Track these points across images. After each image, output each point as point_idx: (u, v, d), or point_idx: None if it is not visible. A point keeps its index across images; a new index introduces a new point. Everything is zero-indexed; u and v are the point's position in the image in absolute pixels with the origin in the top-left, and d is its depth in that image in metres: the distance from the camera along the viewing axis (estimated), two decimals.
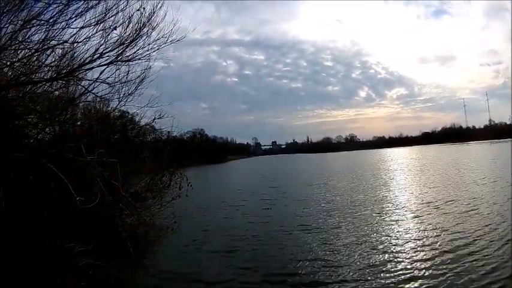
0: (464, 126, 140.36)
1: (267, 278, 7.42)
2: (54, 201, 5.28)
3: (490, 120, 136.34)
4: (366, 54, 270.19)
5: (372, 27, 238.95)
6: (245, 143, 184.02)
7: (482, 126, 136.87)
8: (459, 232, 9.68)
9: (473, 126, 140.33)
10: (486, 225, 10.15)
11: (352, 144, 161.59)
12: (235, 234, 11.35)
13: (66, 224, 5.57)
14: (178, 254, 9.67)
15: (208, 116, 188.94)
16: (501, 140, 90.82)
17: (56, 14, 5.58)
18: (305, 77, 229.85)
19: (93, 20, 5.86)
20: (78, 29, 5.74)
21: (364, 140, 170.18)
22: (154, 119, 8.96)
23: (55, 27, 5.63)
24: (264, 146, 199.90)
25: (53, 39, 5.67)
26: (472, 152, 57.03)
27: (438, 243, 8.88)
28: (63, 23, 5.65)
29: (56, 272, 5.25)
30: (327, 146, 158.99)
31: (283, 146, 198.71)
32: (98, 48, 6.04)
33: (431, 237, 9.50)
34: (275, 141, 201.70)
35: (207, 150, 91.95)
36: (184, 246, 10.29)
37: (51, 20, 5.54)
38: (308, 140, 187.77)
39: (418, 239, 9.42)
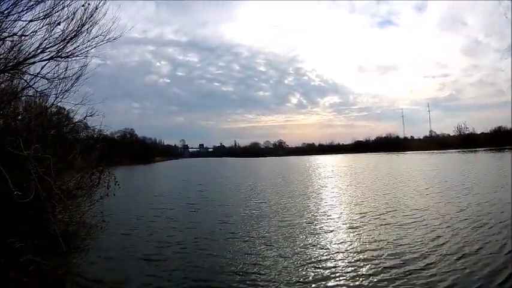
0: (401, 136, 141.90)
1: None
2: None
3: (430, 131, 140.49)
4: (301, 61, 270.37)
5: (311, 34, 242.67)
6: (173, 144, 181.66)
7: (421, 137, 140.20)
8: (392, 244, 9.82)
9: (411, 137, 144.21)
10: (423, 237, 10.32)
11: (280, 150, 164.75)
12: (161, 239, 11.57)
13: (4, 218, 5.45)
14: (107, 254, 9.95)
15: (139, 116, 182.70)
16: (443, 150, 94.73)
17: (11, 5, 5.48)
18: (237, 81, 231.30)
19: (42, 14, 5.84)
20: (27, 22, 5.68)
21: (294, 146, 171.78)
22: (86, 116, 8.90)
23: (8, 19, 5.51)
24: (192, 148, 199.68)
25: (5, 31, 5.54)
26: (409, 161, 58.70)
27: (374, 255, 8.95)
28: (15, 15, 5.56)
29: None
30: (254, 151, 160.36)
31: (210, 149, 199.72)
32: (42, 43, 6.02)
33: (363, 248, 9.57)
34: (202, 144, 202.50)
35: (135, 150, 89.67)
36: (113, 247, 10.63)
37: (5, 12, 5.42)
38: (235, 144, 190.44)
39: (347, 250, 9.50)
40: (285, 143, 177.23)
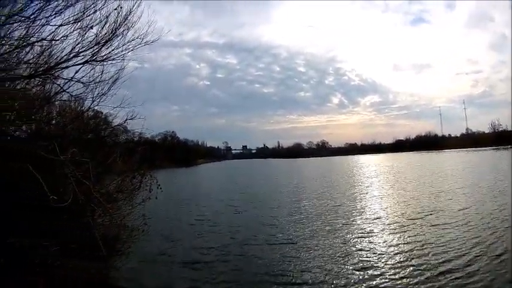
0: (439, 134, 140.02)
1: None
2: (27, 200, 5.20)
3: (467, 128, 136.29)
4: (340, 61, 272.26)
5: (347, 34, 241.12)
6: (216, 146, 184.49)
7: (458, 135, 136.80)
8: (443, 246, 9.47)
9: (449, 135, 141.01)
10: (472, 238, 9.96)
11: (323, 150, 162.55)
12: (203, 242, 11.41)
13: (39, 223, 5.48)
14: (149, 257, 9.87)
15: (179, 119, 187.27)
16: (478, 148, 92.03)
17: (36, 10, 5.53)
18: (278, 82, 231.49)
19: (72, 18, 5.86)
20: (56, 26, 5.72)
21: (336, 146, 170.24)
22: (126, 119, 8.94)
23: (35, 24, 5.58)
24: (235, 150, 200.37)
25: (33, 36, 5.61)
26: (449, 160, 57.33)
27: (426, 259, 8.56)
28: (43, 20, 5.61)
29: (28, 272, 5.16)
30: (297, 151, 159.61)
31: (253, 151, 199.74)
32: (75, 47, 6.03)
33: (416, 252, 9.11)
34: (245, 146, 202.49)
35: (177, 152, 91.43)
36: (155, 250, 10.54)
37: (32, 17, 5.48)
38: (279, 145, 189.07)
39: (398, 253, 9.13)
40: (327, 143, 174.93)
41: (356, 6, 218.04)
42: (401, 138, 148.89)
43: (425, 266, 8.07)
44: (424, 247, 9.51)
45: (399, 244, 10.08)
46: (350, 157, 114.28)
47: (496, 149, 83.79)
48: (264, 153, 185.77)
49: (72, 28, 5.90)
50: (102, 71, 7.45)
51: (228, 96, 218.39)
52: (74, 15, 5.85)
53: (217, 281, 7.98)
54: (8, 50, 5.47)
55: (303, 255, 9.51)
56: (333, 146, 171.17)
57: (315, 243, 10.52)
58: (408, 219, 13.09)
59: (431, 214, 13.75)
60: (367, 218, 13.81)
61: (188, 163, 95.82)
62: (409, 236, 10.79)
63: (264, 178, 42.11)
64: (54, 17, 5.68)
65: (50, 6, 5.58)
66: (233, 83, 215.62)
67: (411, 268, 7.99)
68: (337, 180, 31.52)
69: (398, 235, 11.06)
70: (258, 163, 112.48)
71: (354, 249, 9.85)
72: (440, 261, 8.32)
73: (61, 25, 5.74)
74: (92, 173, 7.42)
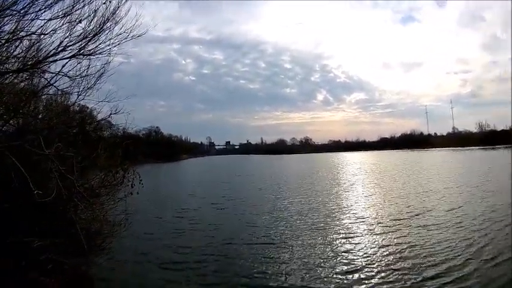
0: (425, 133, 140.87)
1: None
2: (13, 194, 5.17)
3: (453, 127, 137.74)
4: (327, 58, 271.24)
5: (335, 31, 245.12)
6: (199, 142, 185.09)
7: (444, 134, 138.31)
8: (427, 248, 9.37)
9: (435, 133, 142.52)
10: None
11: (307, 147, 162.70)
12: (185, 240, 11.38)
13: (24, 218, 5.46)
14: (129, 255, 9.89)
15: (165, 114, 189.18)
16: (465, 148, 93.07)
17: (27, 4, 5.48)
18: (264, 78, 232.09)
19: (61, 13, 5.82)
20: (46, 20, 5.68)
21: (320, 143, 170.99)
22: (110, 114, 8.90)
23: (25, 18, 5.53)
24: (218, 145, 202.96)
25: (22, 30, 5.55)
26: (435, 158, 58.03)
27: (405, 258, 8.58)
28: (33, 14, 5.56)
29: (18, 266, 5.14)
30: (281, 148, 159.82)
31: (236, 147, 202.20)
32: (63, 41, 5.99)
33: (402, 255, 8.93)
34: (229, 142, 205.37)
35: (161, 148, 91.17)
36: (135, 248, 10.52)
37: (22, 11, 5.42)
38: (262, 141, 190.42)
39: (382, 255, 8.98)
40: (311, 140, 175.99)
41: (345, 3, 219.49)
42: (386, 136, 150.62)
43: (413, 269, 7.90)
44: (412, 249, 9.35)
45: (384, 245, 9.91)
46: (333, 154, 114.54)
47: (483, 148, 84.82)
48: (247, 149, 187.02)
49: (61, 22, 5.87)
50: (89, 65, 7.41)
51: (213, 92, 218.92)
52: (63, 9, 5.83)
53: (196, 282, 7.94)
54: None
55: (283, 255, 9.41)
56: (316, 143, 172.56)
57: (296, 244, 10.40)
58: (392, 219, 12.96)
59: (417, 214, 13.61)
60: (349, 218, 13.76)
61: (172, 158, 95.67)
62: (396, 237, 10.60)
63: (246, 174, 42.22)
64: (44, 11, 5.65)
65: (40, 0, 5.55)
66: (219, 79, 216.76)
67: (397, 272, 7.80)
68: (319, 178, 31.54)
69: (382, 236, 10.90)
70: (239, 159, 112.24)
71: (337, 250, 9.66)
72: (429, 264, 8.17)
73: (50, 19, 5.71)
74: (76, 167, 7.42)
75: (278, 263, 8.80)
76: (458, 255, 8.63)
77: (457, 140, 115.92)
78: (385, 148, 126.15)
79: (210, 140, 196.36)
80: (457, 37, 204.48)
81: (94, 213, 8.01)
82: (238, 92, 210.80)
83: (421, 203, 16.03)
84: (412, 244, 9.79)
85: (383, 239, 10.53)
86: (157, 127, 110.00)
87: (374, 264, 8.41)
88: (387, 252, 9.24)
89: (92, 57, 7.24)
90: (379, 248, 9.71)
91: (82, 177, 7.83)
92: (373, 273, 7.81)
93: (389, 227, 11.95)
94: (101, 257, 8.20)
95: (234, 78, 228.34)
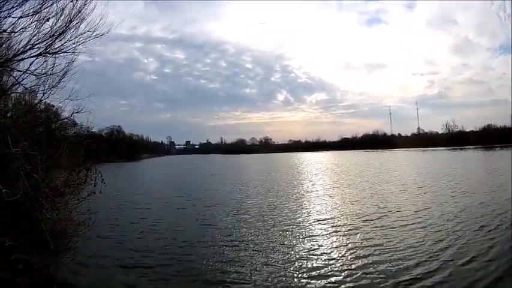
0: (389, 133, 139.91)
1: None
2: None
3: (418, 128, 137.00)
4: (288, 58, 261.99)
5: (299, 32, 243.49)
6: (160, 141, 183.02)
7: (409, 135, 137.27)
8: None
9: (398, 134, 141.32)
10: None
11: (266, 147, 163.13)
12: (146, 241, 10.98)
13: None
14: (93, 253, 9.72)
15: (126, 113, 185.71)
16: (431, 148, 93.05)
17: (1, 2, 5.40)
18: (224, 78, 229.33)
19: (31, 11, 5.79)
20: (17, 18, 5.62)
21: (280, 143, 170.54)
22: (73, 113, 8.84)
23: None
24: (178, 145, 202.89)
25: None
26: (397, 159, 57.24)
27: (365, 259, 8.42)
28: (5, 11, 5.48)
29: None
30: (241, 147, 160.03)
31: (196, 146, 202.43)
32: (31, 39, 5.96)
33: (372, 258, 8.56)
34: (189, 141, 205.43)
35: (122, 147, 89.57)
36: (99, 247, 10.38)
37: None
38: (222, 141, 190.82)
39: (343, 257, 8.77)
40: (271, 139, 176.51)
41: (311, 4, 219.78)
42: (348, 136, 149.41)
43: (383, 272, 7.64)
44: (381, 251, 9.03)
45: (344, 246, 9.74)
46: (293, 154, 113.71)
47: (453, 149, 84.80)
48: (207, 148, 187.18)
49: (31, 20, 5.84)
50: (54, 64, 7.37)
51: (174, 92, 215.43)
52: (33, 7, 5.79)
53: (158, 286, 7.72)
54: None
55: (245, 257, 9.09)
56: (276, 143, 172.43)
57: (258, 245, 10.11)
58: (355, 219, 12.70)
59: (384, 215, 13.28)
60: (311, 218, 13.42)
61: (133, 158, 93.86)
62: (361, 239, 10.30)
63: (206, 174, 41.81)
64: (16, 9, 5.59)
65: None
66: (180, 79, 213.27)
67: (361, 273, 7.60)
68: (280, 178, 31.64)
69: (345, 237, 10.61)
70: (199, 159, 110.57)
71: (300, 252, 9.32)
72: (394, 264, 8.03)
73: (21, 17, 5.66)
74: (41, 166, 7.34)
75: (240, 265, 8.51)
76: (420, 255, 8.54)
77: (422, 140, 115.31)
78: (346, 148, 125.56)
79: (171, 139, 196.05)
80: (426, 39, 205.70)
81: (59, 213, 7.94)
82: (199, 92, 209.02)
83: (383, 204, 15.74)
84: (376, 244, 9.65)
85: (346, 240, 10.26)
86: (119, 126, 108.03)
87: (337, 266, 8.21)
88: (350, 253, 9.04)
89: (57, 55, 7.24)
90: (342, 249, 9.49)
91: (47, 177, 7.73)
92: (335, 276, 7.64)
93: (350, 227, 11.80)
94: (67, 256, 8.11)
95: (194, 78, 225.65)
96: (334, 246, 9.81)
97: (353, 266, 8.07)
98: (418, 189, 19.89)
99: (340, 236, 10.81)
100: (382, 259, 8.42)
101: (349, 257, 8.79)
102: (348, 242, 10.12)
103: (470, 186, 19.87)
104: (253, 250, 9.68)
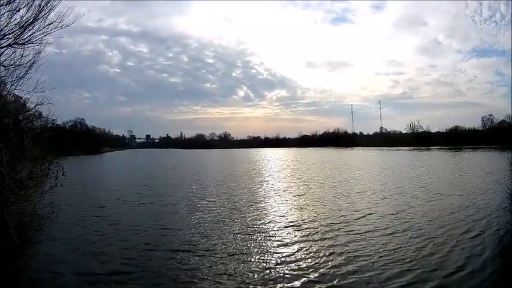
0: (350, 131, 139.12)
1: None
2: None
3: (381, 127, 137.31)
4: (250, 54, 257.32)
5: (262, 29, 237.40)
6: (121, 135, 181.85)
7: (371, 133, 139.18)
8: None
9: (360, 133, 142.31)
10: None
11: (226, 142, 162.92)
12: (106, 244, 10.25)
13: None
14: (58, 245, 9.75)
15: (90, 106, 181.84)
16: (394, 148, 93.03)
17: None
18: (185, 72, 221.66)
19: (5, 1, 5.68)
20: None
21: (239, 138, 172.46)
22: (37, 104, 8.68)
23: None
24: (139, 139, 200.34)
25: None
26: (352, 158, 57.38)
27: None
28: None
29: None
30: (200, 142, 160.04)
31: (156, 140, 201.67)
32: (2, 29, 5.85)
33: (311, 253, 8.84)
34: (149, 135, 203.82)
35: (85, 140, 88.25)
36: (63, 237, 10.47)
37: None
38: (181, 135, 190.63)
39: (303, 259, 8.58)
40: (230, 135, 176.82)
41: (277, 3, 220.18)
42: (307, 133, 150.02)
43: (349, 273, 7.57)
44: (348, 256, 8.74)
45: (309, 249, 9.42)
46: (253, 150, 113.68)
47: (418, 149, 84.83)
48: (167, 143, 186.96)
49: (4, 10, 5.74)
50: (22, 54, 7.26)
51: (136, 85, 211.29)
52: None
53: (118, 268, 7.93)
54: None
55: (208, 262, 8.58)
56: (236, 139, 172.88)
57: (223, 249, 9.58)
58: (305, 221, 12.42)
59: (346, 216, 13.03)
60: (276, 220, 12.96)
61: (95, 151, 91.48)
62: (300, 236, 10.43)
63: (167, 169, 41.70)
64: None
65: None
66: (142, 72, 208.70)
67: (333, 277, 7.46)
68: (237, 174, 31.76)
69: (309, 238, 10.42)
70: (160, 153, 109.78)
71: (267, 257, 8.91)
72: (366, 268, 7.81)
73: None
74: (6, 158, 7.21)
75: (196, 268, 8.19)
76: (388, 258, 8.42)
77: (385, 140, 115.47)
78: (306, 146, 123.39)
79: (131, 133, 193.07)
80: (392, 39, 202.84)
81: (23, 206, 7.80)
82: (160, 86, 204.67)
83: (333, 204, 15.49)
84: (348, 249, 9.29)
85: (312, 242, 9.98)
86: (82, 119, 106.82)
87: (305, 271, 7.89)
88: (313, 256, 8.79)
89: (26, 46, 7.13)
90: (309, 252, 9.18)
91: (12, 169, 7.57)
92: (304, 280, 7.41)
93: (299, 226, 11.76)
94: (33, 250, 7.99)
95: (156, 72, 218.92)
96: (291, 247, 9.60)
97: (318, 270, 7.86)
98: (364, 189, 19.89)
99: (301, 240, 10.32)
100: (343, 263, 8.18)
101: (312, 259, 8.57)
102: (312, 243, 9.87)
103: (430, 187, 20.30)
104: (216, 255, 9.08)
